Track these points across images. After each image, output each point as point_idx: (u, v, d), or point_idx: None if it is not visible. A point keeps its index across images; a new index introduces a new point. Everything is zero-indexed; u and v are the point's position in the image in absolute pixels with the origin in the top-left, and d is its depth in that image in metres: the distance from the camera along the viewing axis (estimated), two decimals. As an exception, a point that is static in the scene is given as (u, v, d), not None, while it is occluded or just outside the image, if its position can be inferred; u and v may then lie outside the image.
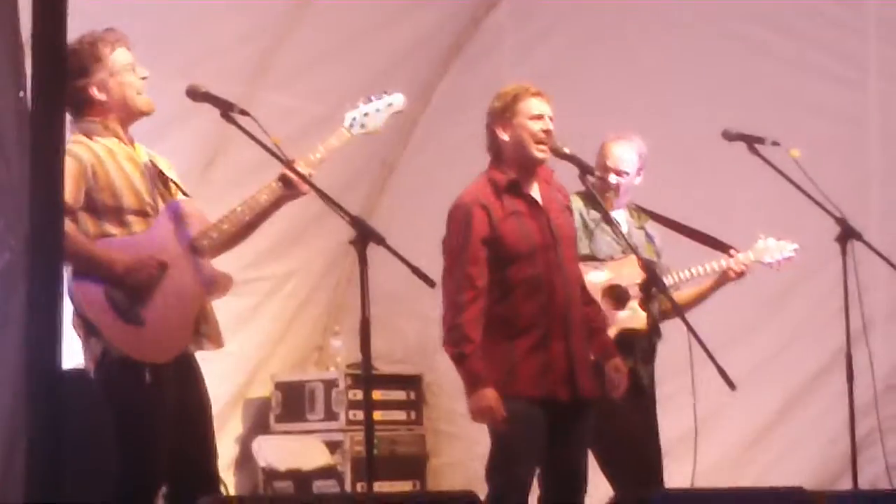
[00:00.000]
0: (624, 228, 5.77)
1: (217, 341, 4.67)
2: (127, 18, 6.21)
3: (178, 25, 6.80)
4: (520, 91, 5.11)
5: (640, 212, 6.02)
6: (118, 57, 4.60)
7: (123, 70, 4.60)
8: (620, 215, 5.90)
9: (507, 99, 5.10)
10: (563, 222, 5.13)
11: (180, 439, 4.53)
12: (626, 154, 5.86)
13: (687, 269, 5.91)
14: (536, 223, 5.04)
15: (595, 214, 5.76)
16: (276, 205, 4.70)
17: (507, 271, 4.98)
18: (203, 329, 4.62)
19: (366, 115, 4.82)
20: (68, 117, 4.61)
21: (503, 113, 5.09)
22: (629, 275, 5.66)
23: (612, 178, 5.83)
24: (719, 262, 5.92)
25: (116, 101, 4.60)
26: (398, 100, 4.90)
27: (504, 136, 5.08)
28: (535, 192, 5.11)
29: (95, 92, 4.57)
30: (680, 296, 5.83)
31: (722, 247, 5.94)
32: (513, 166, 5.09)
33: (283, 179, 4.65)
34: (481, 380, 4.89)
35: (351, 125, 4.80)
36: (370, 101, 4.85)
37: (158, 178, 4.68)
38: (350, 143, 4.80)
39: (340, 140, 4.77)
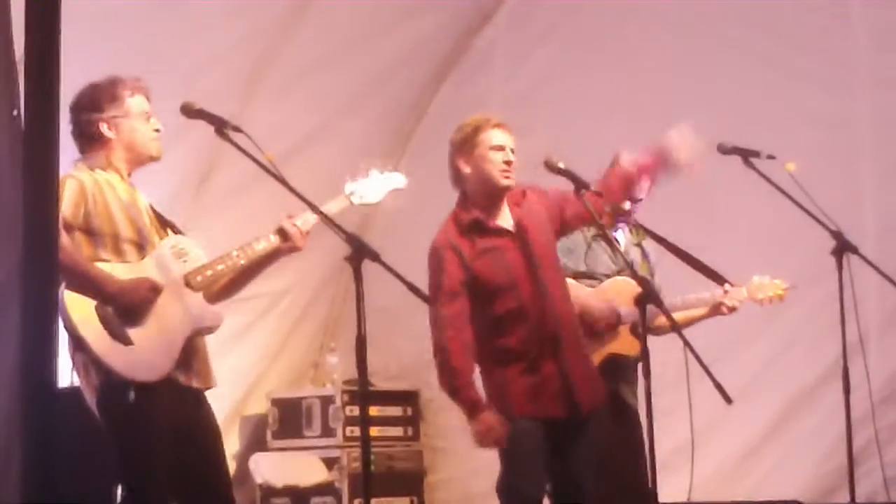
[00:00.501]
0: (621, 245, 5.76)
1: (207, 381, 4.70)
2: (123, 26, 6.23)
3: (171, 39, 6.79)
4: (481, 122, 5.06)
5: (639, 229, 6.01)
6: (135, 102, 4.67)
7: (137, 116, 4.67)
8: (619, 231, 5.90)
9: (467, 130, 5.06)
10: (543, 240, 5.08)
11: (195, 464, 4.57)
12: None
13: (680, 297, 5.89)
14: (512, 253, 5.01)
15: (593, 230, 5.75)
16: (271, 256, 4.78)
17: (492, 305, 4.97)
18: (195, 366, 4.64)
19: (367, 187, 4.95)
20: (76, 152, 4.64)
21: (463, 145, 5.05)
22: (625, 293, 5.65)
23: (626, 205, 5.81)
24: (713, 293, 5.90)
25: (124, 142, 4.66)
26: (399, 180, 5.04)
27: (466, 169, 5.04)
28: (505, 220, 5.08)
29: (105, 129, 4.64)
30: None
31: (718, 278, 5.92)
32: (478, 199, 5.05)
33: (281, 232, 4.73)
34: (479, 405, 4.89)
35: (352, 194, 4.92)
36: (371, 174, 4.97)
37: (156, 219, 4.74)
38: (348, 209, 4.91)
39: (340, 206, 4.87)
